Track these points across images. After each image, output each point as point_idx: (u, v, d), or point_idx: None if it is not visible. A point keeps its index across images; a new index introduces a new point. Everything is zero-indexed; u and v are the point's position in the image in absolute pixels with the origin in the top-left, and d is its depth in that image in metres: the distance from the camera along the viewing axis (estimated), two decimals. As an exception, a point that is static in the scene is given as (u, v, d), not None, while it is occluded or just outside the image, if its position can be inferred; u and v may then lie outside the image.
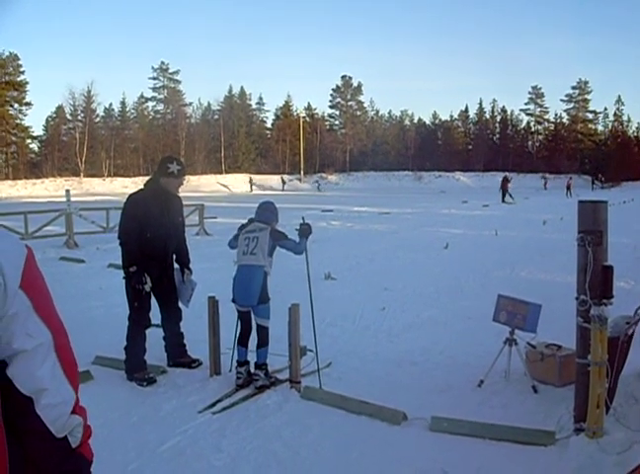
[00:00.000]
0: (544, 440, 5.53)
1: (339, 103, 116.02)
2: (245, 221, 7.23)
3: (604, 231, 5.50)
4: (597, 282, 5.38)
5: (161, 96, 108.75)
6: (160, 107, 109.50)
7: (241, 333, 7.05)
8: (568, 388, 6.28)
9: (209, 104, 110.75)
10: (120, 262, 7.36)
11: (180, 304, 7.67)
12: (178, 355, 7.60)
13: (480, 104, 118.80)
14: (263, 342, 6.92)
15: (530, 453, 5.37)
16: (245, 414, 6.19)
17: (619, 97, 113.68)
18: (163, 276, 7.40)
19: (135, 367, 7.13)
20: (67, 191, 22.04)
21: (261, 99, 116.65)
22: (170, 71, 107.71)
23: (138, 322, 7.19)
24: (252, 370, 6.91)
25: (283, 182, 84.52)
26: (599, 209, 5.53)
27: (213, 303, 7.19)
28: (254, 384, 6.82)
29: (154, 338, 7.45)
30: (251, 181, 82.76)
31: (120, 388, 6.93)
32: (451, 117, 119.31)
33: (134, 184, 69.88)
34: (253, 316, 6.96)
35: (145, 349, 7.25)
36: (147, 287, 7.00)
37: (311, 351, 6.78)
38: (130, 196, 7.39)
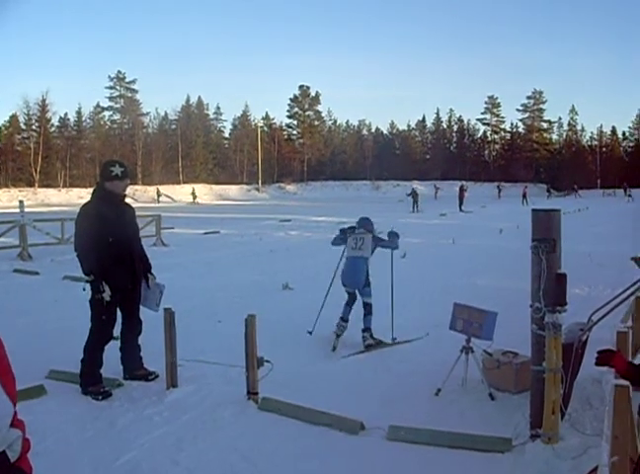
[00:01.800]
0: (501, 447, 5.57)
1: (297, 112, 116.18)
2: (345, 226, 9.93)
3: (558, 239, 5.56)
4: (551, 290, 5.43)
5: (118, 105, 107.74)
6: (117, 116, 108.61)
7: (348, 301, 9.45)
8: (524, 395, 6.34)
9: (167, 113, 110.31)
10: (75, 274, 7.27)
11: (140, 315, 7.57)
12: (135, 368, 7.49)
13: (437, 113, 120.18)
14: (368, 312, 9.19)
15: (488, 460, 5.41)
16: (202, 426, 6.12)
17: (573, 106, 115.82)
18: (132, 283, 7.31)
19: (91, 381, 7.01)
20: (21, 202, 21.64)
21: (218, 109, 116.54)
22: (127, 80, 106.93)
23: (100, 335, 7.08)
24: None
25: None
26: (552, 218, 5.59)
27: (170, 315, 7.10)
28: (363, 343, 8.97)
29: (109, 350, 7.32)
30: (193, 192, 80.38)
31: (75, 402, 6.78)
32: (409, 126, 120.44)
33: (91, 194, 68.92)
34: (359, 295, 9.31)
35: (102, 362, 7.14)
36: (106, 296, 6.89)
37: (268, 361, 6.73)
38: (82, 206, 7.31)
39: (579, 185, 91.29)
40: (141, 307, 7.56)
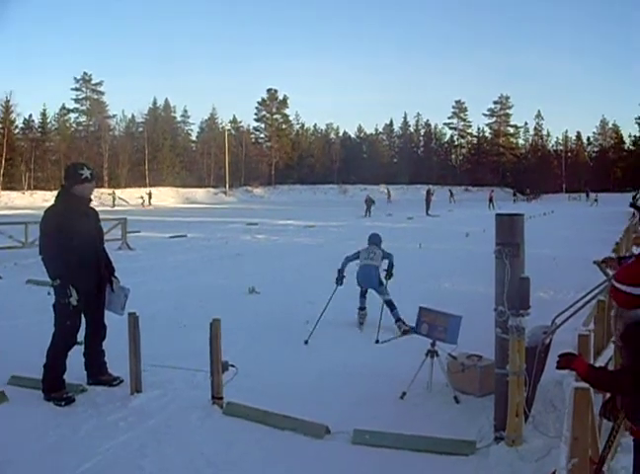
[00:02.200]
0: (465, 450, 5.60)
1: (264, 116, 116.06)
2: (350, 254, 11.55)
3: (521, 243, 5.62)
4: (514, 294, 5.48)
5: (84, 107, 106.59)
6: (83, 118, 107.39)
7: (362, 293, 11.19)
8: (489, 398, 6.38)
9: (134, 116, 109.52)
10: (39, 278, 7.18)
11: (105, 320, 7.49)
12: (99, 373, 7.40)
13: (405, 118, 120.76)
14: (391, 307, 10.57)
15: (452, 463, 5.44)
16: (166, 431, 6.08)
17: (539, 112, 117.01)
18: (97, 287, 7.24)
19: (53, 387, 6.90)
20: (-17, 205, 21.37)
21: (186, 112, 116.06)
22: (93, 82, 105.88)
23: (65, 341, 6.98)
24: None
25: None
26: (515, 222, 5.65)
27: (134, 319, 7.04)
28: (399, 330, 10.22)
29: (73, 355, 7.23)
30: (150, 194, 78.73)
31: (37, 409, 6.68)
32: (376, 130, 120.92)
33: (55, 197, 67.95)
34: (378, 295, 10.81)
35: (65, 367, 7.04)
36: (73, 300, 6.80)
37: (233, 366, 6.70)
38: (47, 209, 7.22)
39: (545, 189, 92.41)
40: (106, 312, 7.48)
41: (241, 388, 6.88)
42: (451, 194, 52.68)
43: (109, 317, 7.52)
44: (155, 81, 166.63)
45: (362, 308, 11.06)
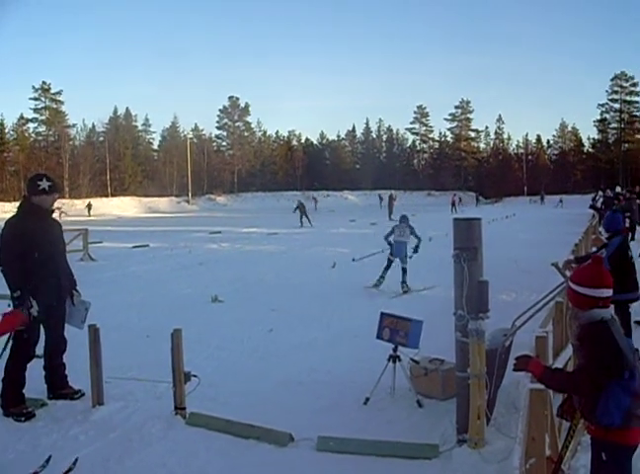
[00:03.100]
0: (428, 454, 5.64)
1: (226, 124, 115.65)
2: (388, 230, 15.54)
3: (479, 247, 5.67)
4: (473, 297, 5.53)
5: (43, 117, 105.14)
6: (42, 128, 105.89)
7: (386, 266, 14.99)
8: (452, 401, 6.42)
9: (94, 125, 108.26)
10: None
11: (65, 332, 7.40)
12: (59, 387, 7.29)
13: (367, 123, 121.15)
14: (405, 273, 14.56)
15: (415, 467, 5.47)
16: (128, 444, 6.02)
17: (500, 116, 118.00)
18: (58, 299, 7.15)
19: (13, 402, 6.78)
20: (-60, 217, 21.02)
21: (147, 120, 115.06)
22: (52, 91, 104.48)
23: (22, 354, 6.85)
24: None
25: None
26: (472, 226, 5.69)
27: (95, 331, 6.97)
28: (402, 290, 14.29)
29: (32, 368, 7.12)
30: (89, 205, 77.09)
31: (-4, 424, 6.60)
32: (339, 136, 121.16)
33: (17, 208, 66.82)
34: (400, 262, 14.72)
35: (24, 381, 6.94)
36: (34, 311, 6.68)
37: (195, 376, 6.67)
38: (7, 220, 7.13)
39: (506, 192, 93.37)
40: (66, 325, 7.40)
41: (204, 398, 6.87)
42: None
43: (69, 329, 7.43)
44: (115, 90, 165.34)
45: (383, 277, 14.89)
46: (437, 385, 7.11)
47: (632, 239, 23.54)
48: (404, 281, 14.38)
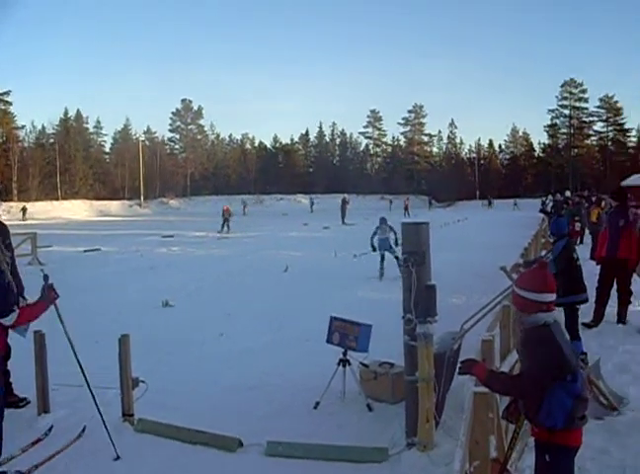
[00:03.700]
0: (378, 457, 5.66)
1: (179, 126, 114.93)
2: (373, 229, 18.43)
3: (427, 251, 5.71)
4: (421, 301, 5.57)
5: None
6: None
7: (381, 259, 17.72)
8: (402, 405, 6.43)
9: (44, 127, 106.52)
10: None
11: (8, 339, 7.24)
12: (4, 395, 7.17)
13: (320, 127, 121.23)
14: (398, 259, 14.80)
15: (364, 471, 5.50)
16: (76, 452, 5.94)
17: (452, 120, 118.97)
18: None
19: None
20: None
21: (99, 122, 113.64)
22: (0, 92, 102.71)
23: None
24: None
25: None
26: (420, 231, 5.73)
27: (40, 337, 6.87)
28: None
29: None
30: (24, 209, 75.37)
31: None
32: (292, 140, 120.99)
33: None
34: (389, 254, 17.47)
35: None
36: None
37: (143, 382, 6.60)
38: None
39: (458, 196, 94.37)
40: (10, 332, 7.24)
41: (153, 404, 6.80)
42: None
43: (12, 335, 7.28)
44: (66, 91, 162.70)
45: (382, 268, 17.52)
46: (386, 389, 7.14)
47: (581, 242, 23.95)
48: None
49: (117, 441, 6.08)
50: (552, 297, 3.94)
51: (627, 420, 6.20)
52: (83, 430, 6.32)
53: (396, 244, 17.36)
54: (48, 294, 6.11)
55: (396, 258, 16.07)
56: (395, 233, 17.90)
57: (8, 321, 5.94)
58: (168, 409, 6.92)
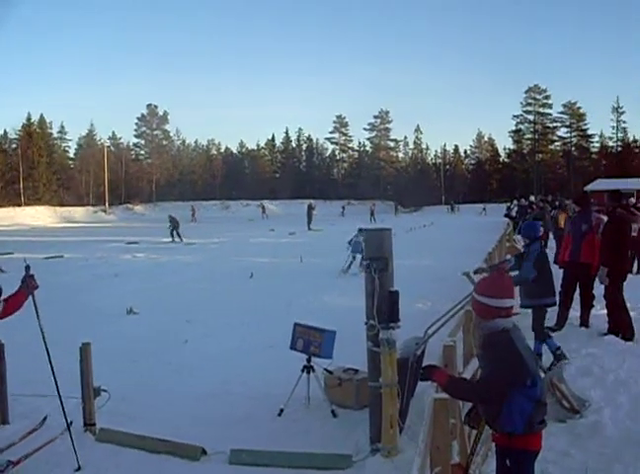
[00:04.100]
0: (341, 464, 5.66)
1: (144, 132, 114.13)
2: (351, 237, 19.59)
3: (390, 258, 5.71)
4: (384, 307, 5.58)
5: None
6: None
7: (353, 258, 19.38)
8: (366, 411, 6.43)
9: (6, 132, 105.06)
10: None
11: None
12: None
13: (286, 132, 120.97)
14: None
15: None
16: (35, 464, 5.82)
17: (418, 126, 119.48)
18: None
19: None
20: None
21: (62, 128, 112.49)
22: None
23: None
24: None
25: None
26: (383, 237, 5.74)
27: (-1, 348, 6.78)
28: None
29: None
30: None
31: None
32: (258, 145, 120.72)
33: None
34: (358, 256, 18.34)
35: None
36: None
37: (105, 390, 6.53)
38: None
39: (424, 201, 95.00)
40: None
41: (116, 413, 6.75)
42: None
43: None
44: (29, 95, 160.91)
45: (349, 266, 19.36)
46: (350, 395, 7.15)
47: (545, 246, 24.17)
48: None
49: (78, 452, 6.00)
50: (511, 303, 3.97)
51: (589, 422, 6.25)
52: (44, 419, 6.23)
53: None
54: (29, 283, 6.30)
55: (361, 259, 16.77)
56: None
57: None
58: (130, 418, 6.87)
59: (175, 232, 38.66)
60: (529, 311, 8.55)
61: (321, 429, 6.67)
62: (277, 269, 21.13)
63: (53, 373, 6.29)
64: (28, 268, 6.39)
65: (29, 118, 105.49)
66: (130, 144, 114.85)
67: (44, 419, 6.29)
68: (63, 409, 6.15)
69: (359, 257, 18.18)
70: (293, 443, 6.15)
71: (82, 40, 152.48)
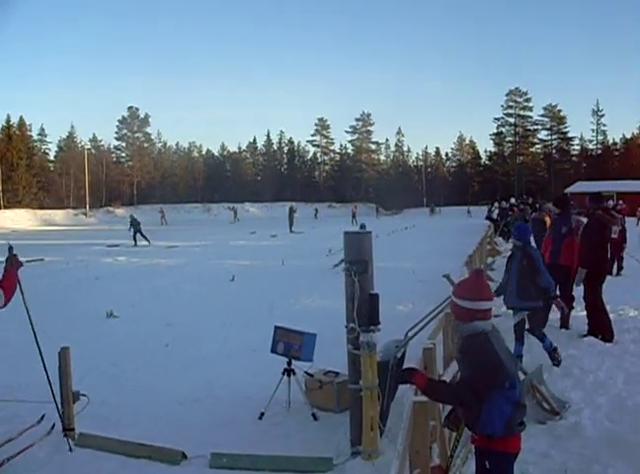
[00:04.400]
0: (322, 467, 5.66)
1: (125, 134, 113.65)
2: None
3: (370, 260, 5.72)
4: (364, 310, 5.58)
5: None
6: None
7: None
8: (347, 413, 6.43)
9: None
10: None
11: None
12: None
13: (268, 135, 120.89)
14: None
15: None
16: (12, 470, 5.76)
17: (400, 129, 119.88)
18: None
19: None
20: None
21: (43, 130, 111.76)
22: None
23: None
24: None
25: None
26: (362, 240, 5.75)
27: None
28: None
29: None
30: None
31: None
32: (240, 148, 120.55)
33: None
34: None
35: None
36: None
37: (84, 395, 6.49)
38: None
39: (406, 204, 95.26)
40: None
41: (95, 417, 6.69)
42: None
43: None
44: (8, 97, 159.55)
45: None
46: (331, 398, 7.14)
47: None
48: None
49: (55, 459, 5.99)
50: (489, 305, 3.97)
51: (569, 424, 6.28)
52: (42, 417, 6.21)
53: None
54: (13, 262, 6.45)
55: None
56: None
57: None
58: (110, 422, 6.82)
59: (139, 234, 37.26)
60: (511, 313, 8.59)
61: (302, 432, 6.66)
62: (258, 271, 21.11)
63: (47, 376, 6.24)
64: (11, 248, 6.54)
65: (8, 121, 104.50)
66: (111, 147, 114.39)
67: (42, 417, 6.24)
68: (59, 412, 6.12)
69: None
70: (274, 447, 6.14)
71: (62, 43, 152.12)
